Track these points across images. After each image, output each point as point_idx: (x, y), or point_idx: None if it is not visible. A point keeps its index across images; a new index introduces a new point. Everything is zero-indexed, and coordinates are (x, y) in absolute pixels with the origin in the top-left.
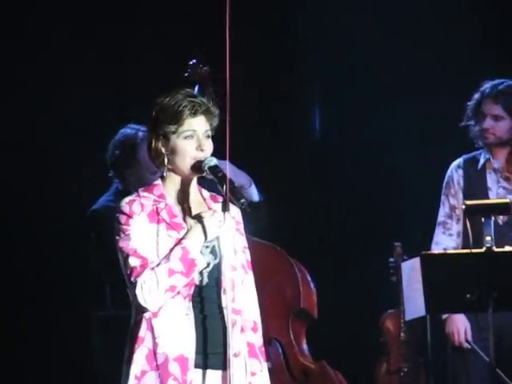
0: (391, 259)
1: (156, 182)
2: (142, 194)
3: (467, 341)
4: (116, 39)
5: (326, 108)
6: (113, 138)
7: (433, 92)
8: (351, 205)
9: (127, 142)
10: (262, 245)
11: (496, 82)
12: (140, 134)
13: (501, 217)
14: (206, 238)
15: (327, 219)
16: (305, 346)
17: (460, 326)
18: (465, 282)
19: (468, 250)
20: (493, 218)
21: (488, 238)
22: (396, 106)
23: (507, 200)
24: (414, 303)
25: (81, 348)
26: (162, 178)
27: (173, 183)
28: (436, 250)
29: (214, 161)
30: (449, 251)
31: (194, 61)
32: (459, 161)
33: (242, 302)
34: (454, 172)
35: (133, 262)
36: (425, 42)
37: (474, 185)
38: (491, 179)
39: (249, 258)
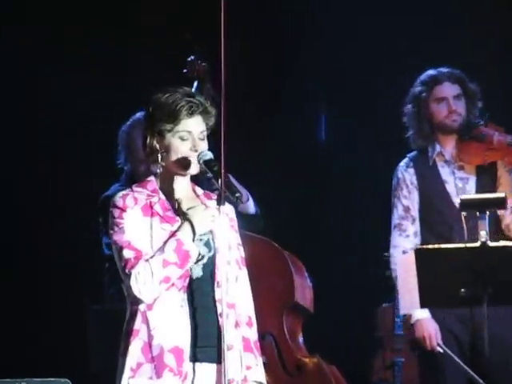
0: (386, 254)
1: (149, 178)
2: (135, 188)
3: (438, 344)
4: (115, 37)
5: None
6: None
7: None
8: (347, 198)
9: (124, 136)
10: (254, 239)
11: (434, 70)
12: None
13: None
14: (199, 231)
15: (323, 213)
16: (300, 340)
17: (431, 329)
18: (459, 276)
19: (463, 245)
20: (487, 212)
21: (483, 233)
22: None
23: (502, 194)
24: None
25: (77, 341)
26: (156, 174)
27: (166, 179)
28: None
29: (209, 155)
30: (444, 246)
31: (193, 57)
32: (406, 161)
33: (235, 297)
34: (404, 172)
35: (127, 254)
36: (434, 56)
37: (429, 181)
38: (445, 172)
39: (243, 255)
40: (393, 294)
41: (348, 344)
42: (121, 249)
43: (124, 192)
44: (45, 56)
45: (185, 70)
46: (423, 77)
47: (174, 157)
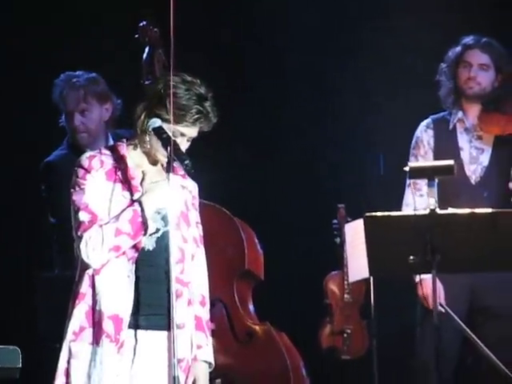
0: (335, 221)
1: (120, 143)
2: (103, 151)
3: (441, 304)
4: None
5: None
6: None
7: None
8: (298, 166)
9: (56, 84)
10: (205, 205)
11: (477, 36)
12: (69, 73)
13: (473, 176)
14: (157, 206)
15: (274, 183)
16: (251, 307)
17: (435, 288)
18: (408, 244)
19: (412, 212)
20: (436, 179)
21: (432, 200)
22: None
23: (451, 162)
24: (358, 265)
25: (26, 308)
26: (128, 139)
27: (137, 148)
28: (407, 210)
29: (158, 122)
30: (392, 213)
31: (144, 23)
32: (428, 121)
33: (190, 275)
34: (424, 132)
35: (82, 216)
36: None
37: (445, 145)
38: (462, 139)
39: (201, 233)
40: (342, 261)
41: (298, 311)
42: (78, 210)
43: (92, 153)
44: None
45: (136, 36)
46: (463, 39)
47: (155, 144)
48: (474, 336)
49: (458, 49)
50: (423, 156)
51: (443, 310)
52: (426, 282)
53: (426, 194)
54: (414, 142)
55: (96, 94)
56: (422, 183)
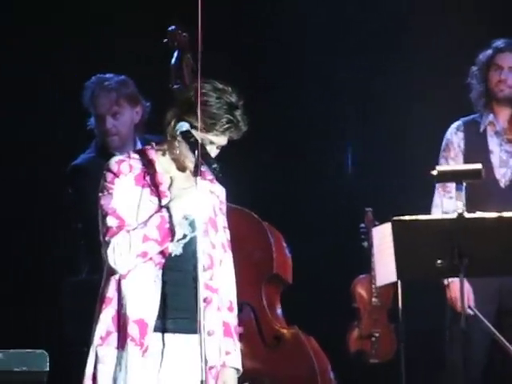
0: (362, 225)
1: (149, 147)
2: (132, 155)
3: (469, 307)
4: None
5: None
6: None
7: None
8: (326, 169)
9: (87, 87)
10: (233, 209)
11: (508, 39)
12: (101, 76)
13: (503, 180)
14: (185, 213)
15: (301, 186)
16: (279, 311)
17: (464, 291)
18: (436, 247)
19: (439, 216)
20: (464, 183)
21: (459, 204)
22: None
23: (479, 166)
24: (385, 269)
25: (53, 312)
26: (157, 144)
27: (166, 154)
28: (436, 212)
29: (185, 126)
30: (419, 217)
31: (173, 27)
32: (458, 123)
33: (219, 281)
34: (454, 135)
35: (110, 221)
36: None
37: (475, 148)
38: (493, 142)
39: (228, 238)
40: (369, 265)
41: (326, 315)
42: (106, 214)
43: (121, 157)
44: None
45: (165, 40)
46: (494, 42)
47: (184, 150)
48: (502, 338)
49: (489, 52)
50: (453, 158)
51: (472, 313)
52: (455, 285)
53: (455, 196)
54: (444, 144)
55: (127, 96)
56: (452, 185)
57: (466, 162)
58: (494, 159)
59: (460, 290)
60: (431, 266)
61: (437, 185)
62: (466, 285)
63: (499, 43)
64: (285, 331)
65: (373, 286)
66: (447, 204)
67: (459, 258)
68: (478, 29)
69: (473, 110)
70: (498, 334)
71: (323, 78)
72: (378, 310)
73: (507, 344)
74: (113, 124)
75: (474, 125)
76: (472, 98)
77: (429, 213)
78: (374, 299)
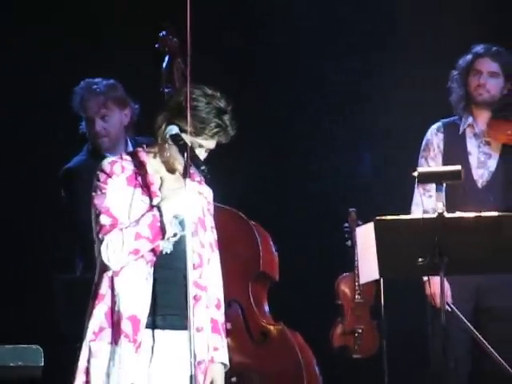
0: (346, 224)
1: (140, 149)
2: (124, 157)
3: (447, 303)
4: (87, 13)
5: None
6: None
7: None
8: (311, 171)
9: (76, 91)
10: (222, 210)
11: (487, 45)
12: (89, 80)
13: (480, 180)
14: (176, 212)
15: (287, 187)
16: (266, 308)
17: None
18: (417, 246)
19: (420, 216)
20: (444, 184)
21: (439, 204)
22: None
23: (458, 167)
24: (368, 267)
25: (47, 309)
26: (147, 146)
27: (157, 157)
28: (416, 211)
29: (175, 129)
30: (401, 217)
31: (164, 32)
32: (438, 125)
33: (207, 279)
34: (434, 135)
35: (104, 219)
36: None
37: (454, 149)
38: (471, 144)
39: (216, 237)
40: (353, 263)
41: (311, 311)
42: (99, 213)
43: (113, 158)
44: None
45: (156, 45)
46: (474, 48)
47: (173, 152)
48: (478, 335)
49: (469, 57)
50: (433, 158)
51: (450, 309)
52: (433, 281)
53: (434, 194)
54: (424, 144)
55: (116, 99)
56: (431, 185)
57: (444, 162)
58: (472, 160)
59: (440, 288)
60: (412, 264)
61: (416, 184)
62: (445, 282)
63: (479, 48)
64: (271, 327)
65: (356, 283)
66: (427, 202)
67: (439, 257)
68: (465, 32)
69: (453, 113)
70: (474, 331)
71: (311, 81)
72: (361, 306)
73: (483, 341)
74: (102, 126)
75: (454, 126)
76: (452, 101)
77: (409, 212)
78: (357, 296)
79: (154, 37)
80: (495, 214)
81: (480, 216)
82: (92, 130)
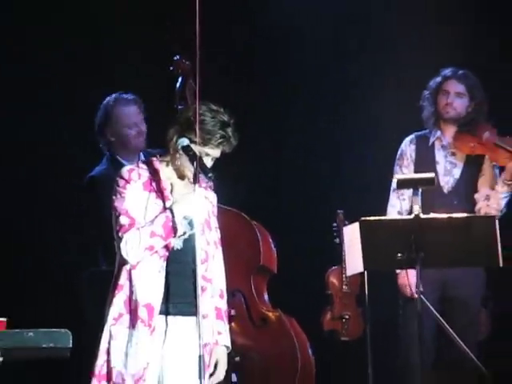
0: (334, 224)
1: (154, 158)
2: (140, 165)
3: (417, 293)
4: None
5: None
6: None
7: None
8: (307, 179)
9: (102, 106)
10: (227, 211)
11: (454, 68)
12: (114, 95)
13: (446, 186)
14: (185, 213)
15: (285, 191)
16: (265, 297)
17: (410, 278)
18: (396, 243)
19: (399, 217)
20: (420, 189)
21: (416, 207)
22: None
23: (432, 175)
24: (354, 261)
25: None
26: (160, 156)
27: (169, 165)
28: (392, 211)
29: (186, 141)
30: (382, 218)
31: (178, 57)
32: (411, 137)
33: (212, 272)
34: (408, 146)
35: (123, 220)
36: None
37: (425, 159)
38: (439, 154)
39: (219, 236)
40: (341, 258)
41: (304, 300)
42: (119, 215)
43: (132, 167)
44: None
45: (171, 68)
46: (442, 71)
47: (185, 163)
48: (444, 322)
49: (438, 79)
50: (406, 166)
51: (418, 298)
52: (404, 273)
53: (407, 198)
54: (398, 153)
55: (141, 110)
56: (405, 189)
57: (416, 170)
58: (440, 169)
59: (416, 279)
60: (392, 259)
61: (392, 188)
62: (414, 273)
63: (447, 72)
64: (270, 313)
65: (343, 275)
66: (400, 204)
67: (416, 252)
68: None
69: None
70: (440, 318)
71: (302, 86)
72: (348, 295)
73: (448, 327)
74: (137, 131)
75: (425, 139)
76: (423, 117)
77: (385, 213)
78: (344, 287)
79: (169, 60)
80: (465, 215)
81: (451, 217)
82: (131, 133)
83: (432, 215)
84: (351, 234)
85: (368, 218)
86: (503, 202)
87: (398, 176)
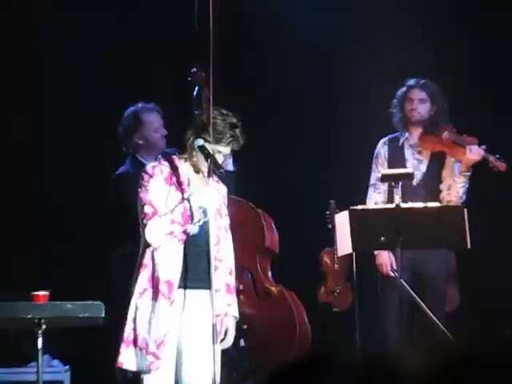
0: (327, 212)
1: (174, 156)
2: (162, 162)
3: (392, 270)
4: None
5: None
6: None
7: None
8: (304, 177)
9: (130, 113)
10: (235, 201)
11: (417, 78)
12: (139, 104)
13: (415, 179)
14: (200, 204)
15: (287, 184)
16: (269, 274)
17: (386, 258)
18: (380, 228)
19: (383, 206)
20: (400, 182)
21: (397, 197)
22: None
23: (411, 170)
24: (344, 243)
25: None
26: (179, 153)
27: (187, 161)
28: (369, 203)
29: (201, 142)
30: (368, 207)
31: (195, 69)
32: (385, 139)
33: (223, 253)
34: (382, 147)
35: (147, 209)
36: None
37: (396, 157)
38: (408, 153)
39: (229, 222)
40: (332, 241)
41: (302, 276)
42: (144, 205)
43: (154, 163)
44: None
45: (189, 79)
46: (406, 81)
47: (200, 160)
48: (416, 296)
49: (403, 89)
50: (381, 164)
51: (393, 275)
52: (381, 253)
53: (382, 191)
54: (375, 154)
55: (161, 116)
56: (380, 184)
57: (389, 167)
58: (409, 165)
59: (396, 259)
60: (376, 242)
61: (370, 184)
62: (389, 254)
63: (411, 82)
64: (273, 288)
65: (335, 255)
66: (376, 197)
67: (396, 236)
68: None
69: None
70: (412, 292)
71: (300, 85)
72: (339, 273)
73: (419, 301)
74: (161, 134)
75: (396, 140)
76: (394, 122)
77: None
78: (335, 265)
79: (187, 72)
80: (438, 204)
81: (427, 206)
82: (157, 136)
83: (410, 204)
84: (342, 221)
85: (356, 207)
86: (462, 191)
87: (383, 171)
